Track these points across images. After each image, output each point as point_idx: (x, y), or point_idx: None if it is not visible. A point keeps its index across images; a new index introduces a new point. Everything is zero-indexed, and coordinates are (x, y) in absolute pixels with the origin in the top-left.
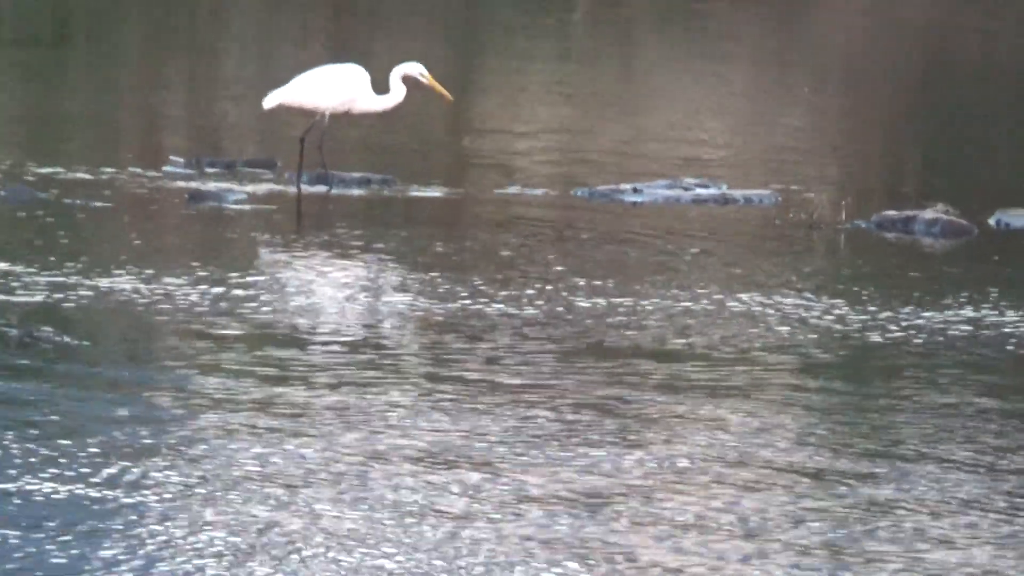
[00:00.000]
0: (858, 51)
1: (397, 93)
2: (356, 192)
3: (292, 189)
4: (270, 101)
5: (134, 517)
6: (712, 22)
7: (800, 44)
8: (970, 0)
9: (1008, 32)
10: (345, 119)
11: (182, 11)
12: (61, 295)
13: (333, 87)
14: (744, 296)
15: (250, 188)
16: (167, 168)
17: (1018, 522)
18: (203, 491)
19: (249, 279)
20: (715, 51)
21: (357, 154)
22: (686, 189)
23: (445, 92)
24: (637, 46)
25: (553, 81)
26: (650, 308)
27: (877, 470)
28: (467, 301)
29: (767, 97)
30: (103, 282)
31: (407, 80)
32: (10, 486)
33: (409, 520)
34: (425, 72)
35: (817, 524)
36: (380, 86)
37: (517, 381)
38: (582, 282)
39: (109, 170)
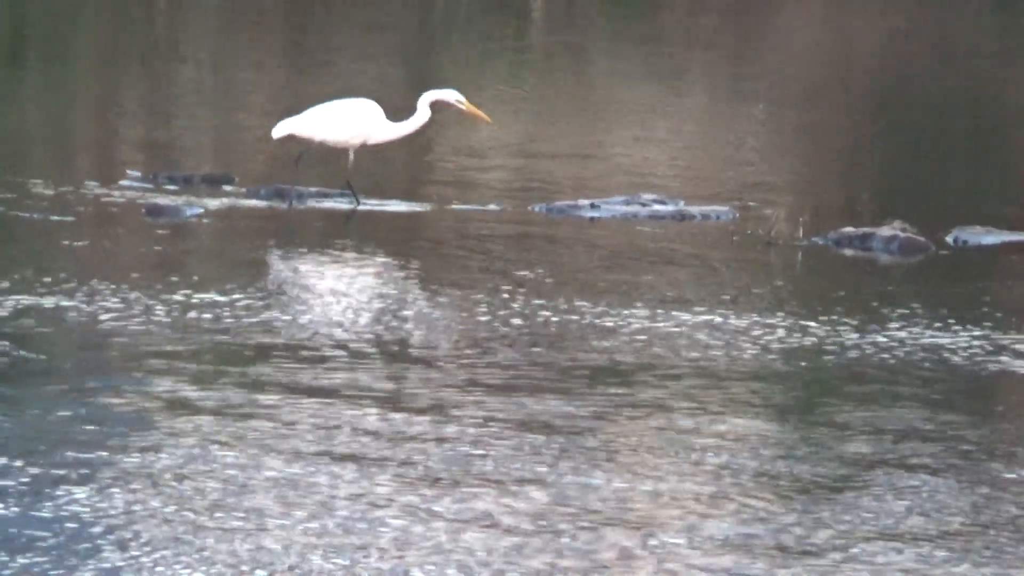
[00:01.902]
0: (815, 67)
1: (419, 117)
2: (315, 206)
3: (249, 203)
4: (279, 131)
5: (79, 536)
6: (668, 38)
7: (757, 60)
8: (927, 13)
9: (963, 49)
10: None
11: (138, 26)
12: (17, 309)
13: (345, 123)
14: (701, 313)
15: (208, 203)
16: (124, 183)
17: (972, 540)
18: (150, 509)
19: (205, 294)
20: (672, 67)
21: (315, 168)
22: (644, 205)
23: (483, 115)
24: (593, 61)
25: (510, 96)
26: (606, 324)
27: (828, 494)
28: (420, 317)
29: (724, 113)
30: (60, 297)
31: (437, 105)
32: None
33: (360, 527)
34: (462, 98)
35: (760, 537)
36: (395, 113)
37: (472, 397)
38: (538, 298)
39: (66, 185)
